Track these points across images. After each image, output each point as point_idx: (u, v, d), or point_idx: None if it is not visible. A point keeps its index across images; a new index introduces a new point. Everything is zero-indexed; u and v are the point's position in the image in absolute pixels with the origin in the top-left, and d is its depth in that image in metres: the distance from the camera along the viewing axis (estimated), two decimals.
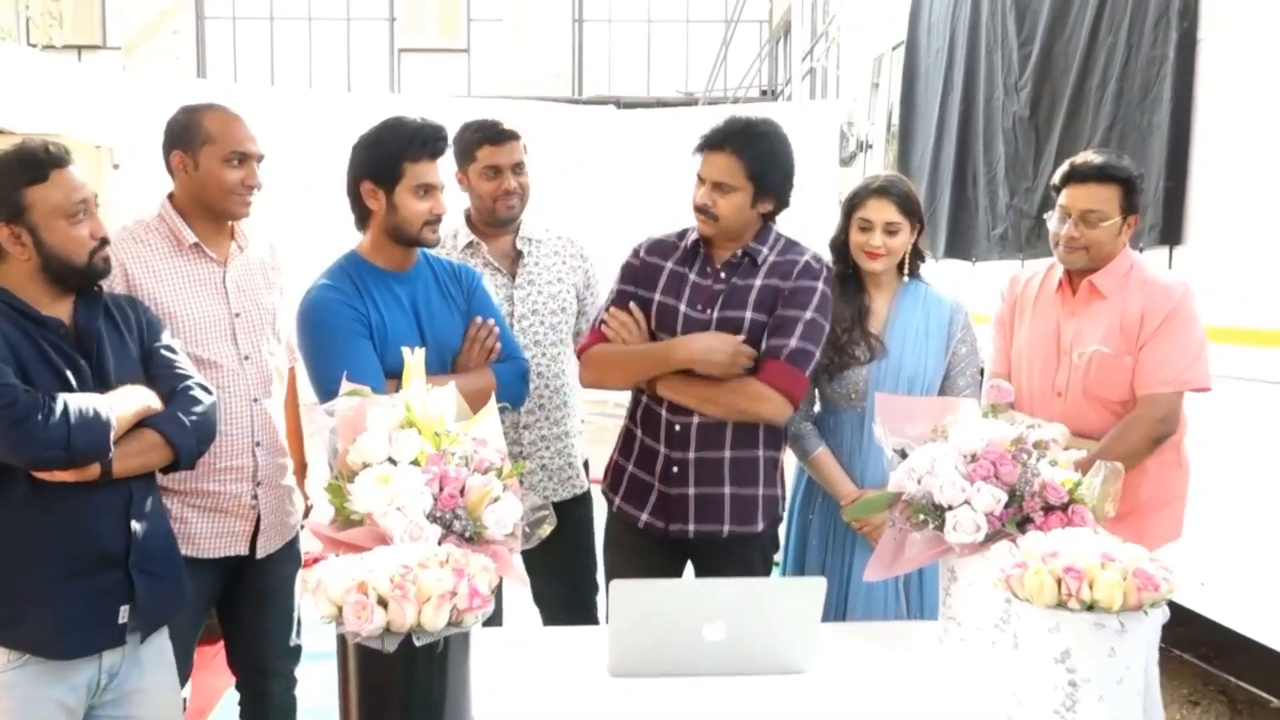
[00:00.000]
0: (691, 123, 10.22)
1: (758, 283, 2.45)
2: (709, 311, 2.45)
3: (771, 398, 2.37)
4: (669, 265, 2.52)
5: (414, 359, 1.95)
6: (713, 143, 2.39)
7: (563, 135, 8.71)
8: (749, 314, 2.43)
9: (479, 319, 2.47)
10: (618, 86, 16.64)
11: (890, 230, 2.59)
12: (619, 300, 2.54)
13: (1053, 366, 2.66)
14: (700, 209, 2.43)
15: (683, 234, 2.56)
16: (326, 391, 2.21)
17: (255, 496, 2.43)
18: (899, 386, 2.57)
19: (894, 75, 6.39)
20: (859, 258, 2.63)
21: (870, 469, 2.55)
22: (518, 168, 2.87)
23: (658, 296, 2.50)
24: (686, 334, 2.44)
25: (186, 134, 2.37)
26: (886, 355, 2.60)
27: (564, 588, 2.92)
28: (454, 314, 2.47)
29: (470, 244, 2.88)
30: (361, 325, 2.32)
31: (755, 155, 2.37)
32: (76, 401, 1.96)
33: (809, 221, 6.15)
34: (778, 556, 2.69)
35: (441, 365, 2.41)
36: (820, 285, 2.44)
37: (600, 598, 3.01)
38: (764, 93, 14.87)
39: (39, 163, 2.03)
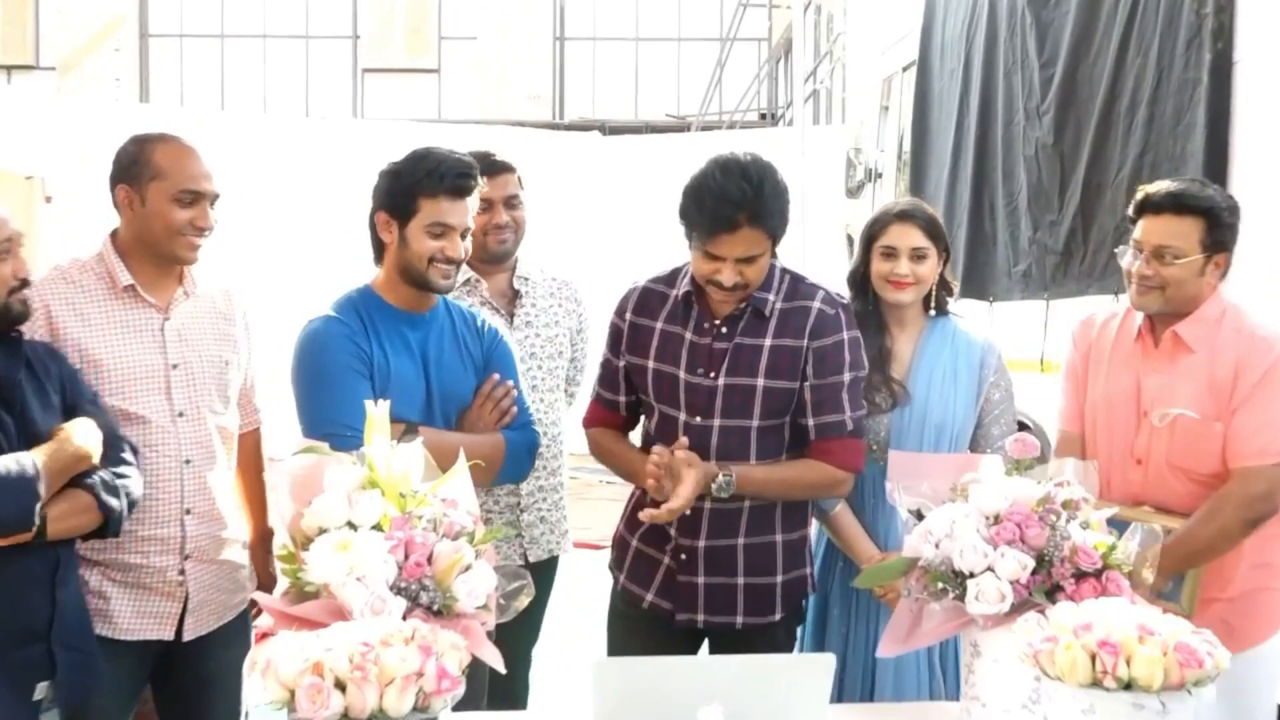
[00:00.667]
0: (684, 149, 10.39)
1: (767, 343, 2.40)
2: (713, 376, 2.41)
3: (846, 480, 2.46)
4: (659, 325, 2.47)
5: (378, 412, 1.95)
6: (731, 224, 2.25)
7: (543, 163, 8.72)
8: (761, 381, 2.40)
9: (496, 376, 2.50)
10: (603, 110, 16.81)
11: (917, 256, 2.62)
12: (604, 374, 2.56)
13: (1132, 429, 2.52)
14: (731, 289, 2.32)
15: (674, 276, 2.51)
16: (311, 428, 2.24)
17: (183, 572, 2.41)
18: (924, 437, 2.59)
19: (905, 98, 6.48)
20: (883, 290, 2.65)
21: (895, 529, 2.55)
22: (510, 201, 2.98)
23: (651, 364, 2.47)
24: (690, 402, 2.41)
25: (134, 167, 2.39)
26: (910, 402, 2.62)
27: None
28: (467, 367, 2.50)
29: (469, 281, 2.98)
30: (362, 364, 2.35)
31: (772, 214, 2.29)
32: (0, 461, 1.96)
33: (813, 257, 6.21)
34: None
35: (445, 420, 2.44)
36: (845, 335, 2.41)
37: (534, 675, 3.06)
38: (763, 116, 15.04)
39: None
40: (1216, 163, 3.81)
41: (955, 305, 2.78)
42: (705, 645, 2.59)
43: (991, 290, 5.37)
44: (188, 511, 2.42)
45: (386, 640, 1.52)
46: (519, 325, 2.97)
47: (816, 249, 6.03)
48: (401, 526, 1.82)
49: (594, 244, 8.79)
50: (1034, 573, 1.89)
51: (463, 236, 2.40)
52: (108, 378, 2.34)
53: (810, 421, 2.41)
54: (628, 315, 2.51)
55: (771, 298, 2.41)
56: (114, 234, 2.46)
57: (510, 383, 2.50)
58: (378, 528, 1.83)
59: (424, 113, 16.14)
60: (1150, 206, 2.49)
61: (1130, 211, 2.56)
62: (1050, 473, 2.04)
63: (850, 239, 9.06)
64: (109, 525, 2.15)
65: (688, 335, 2.43)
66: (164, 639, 2.41)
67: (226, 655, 2.49)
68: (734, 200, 2.24)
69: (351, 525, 1.82)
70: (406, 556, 1.79)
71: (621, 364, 2.52)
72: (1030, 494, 1.97)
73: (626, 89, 17.41)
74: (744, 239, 2.27)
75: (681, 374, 2.42)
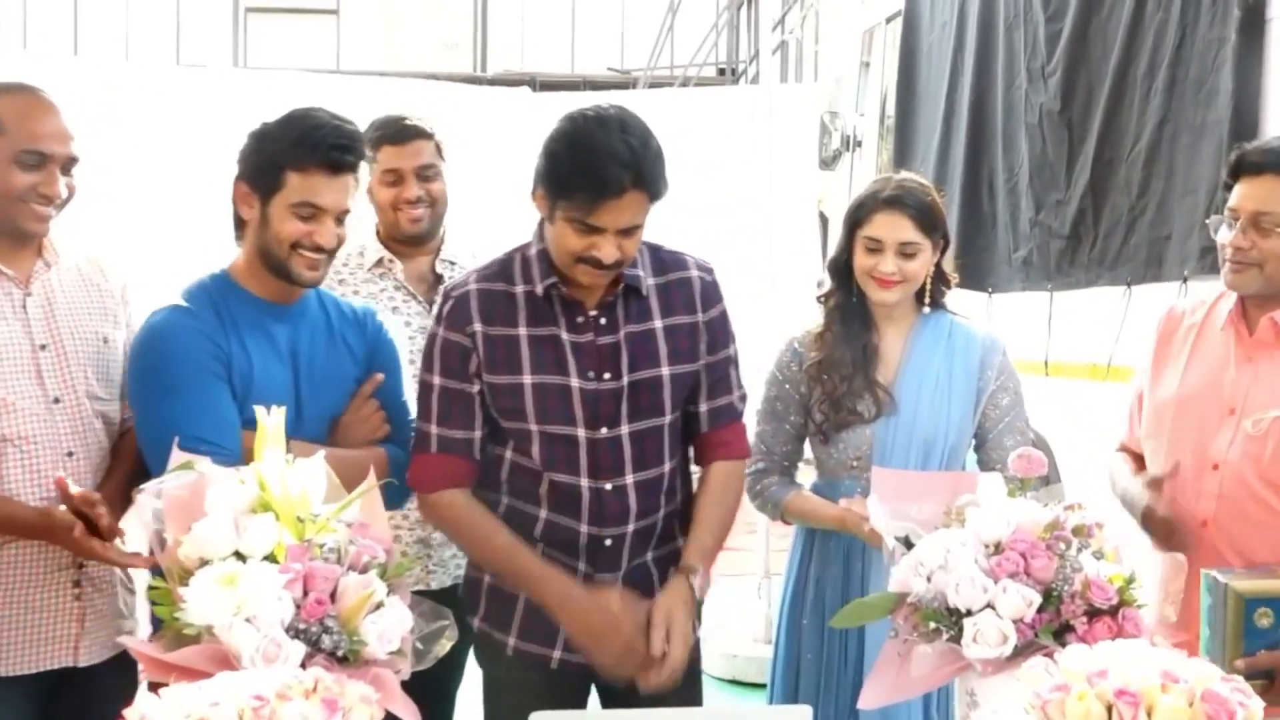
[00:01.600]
0: (629, 109, 10.35)
1: (658, 325, 2.41)
2: (609, 377, 2.37)
3: (745, 465, 2.54)
4: (523, 332, 2.37)
5: (271, 420, 1.94)
6: (618, 188, 2.20)
7: (462, 124, 8.71)
8: (665, 370, 2.40)
9: (381, 377, 2.46)
10: (532, 62, 16.71)
11: (906, 252, 2.65)
12: (447, 408, 2.37)
13: (1211, 429, 2.48)
14: (610, 266, 2.28)
15: (507, 271, 2.40)
16: (156, 445, 2.18)
17: (78, 584, 2.40)
18: (911, 452, 2.63)
19: (889, 54, 6.53)
20: (866, 286, 2.69)
21: (880, 555, 2.55)
22: (425, 172, 2.97)
23: (529, 378, 2.36)
24: (593, 413, 2.36)
25: None
26: (897, 411, 2.65)
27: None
28: (345, 367, 2.47)
29: (380, 262, 2.98)
30: (218, 364, 2.31)
31: (658, 176, 2.25)
32: None
33: (780, 236, 6.23)
34: (762, 676, 2.71)
35: (320, 432, 2.40)
36: (723, 304, 2.48)
37: None
38: (720, 72, 15.09)
39: None
40: (1243, 134, 3.88)
41: (953, 297, 2.82)
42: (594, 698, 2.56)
43: (989, 280, 5.43)
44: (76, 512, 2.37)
45: (284, 693, 1.52)
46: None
47: (784, 228, 6.05)
48: (300, 557, 1.82)
49: (522, 219, 8.75)
50: (1040, 610, 1.91)
51: (339, 221, 2.35)
52: None
53: (703, 407, 2.45)
54: (474, 326, 2.36)
55: (642, 274, 2.40)
56: None
57: (375, 401, 2.46)
58: (271, 558, 1.82)
59: (319, 61, 15.94)
60: (1248, 166, 2.43)
61: (1226, 176, 2.52)
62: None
63: (823, 216, 9.13)
64: None
65: (564, 335, 2.37)
66: (63, 666, 2.39)
67: (120, 684, 2.40)
68: (622, 160, 2.19)
69: (239, 555, 1.81)
70: (305, 593, 1.78)
71: (475, 389, 2.38)
72: (1036, 519, 2.00)
73: (561, 38, 17.34)
74: (630, 205, 2.23)
75: (574, 382, 2.36)
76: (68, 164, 2.41)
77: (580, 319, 2.38)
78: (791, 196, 7.23)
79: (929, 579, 1.98)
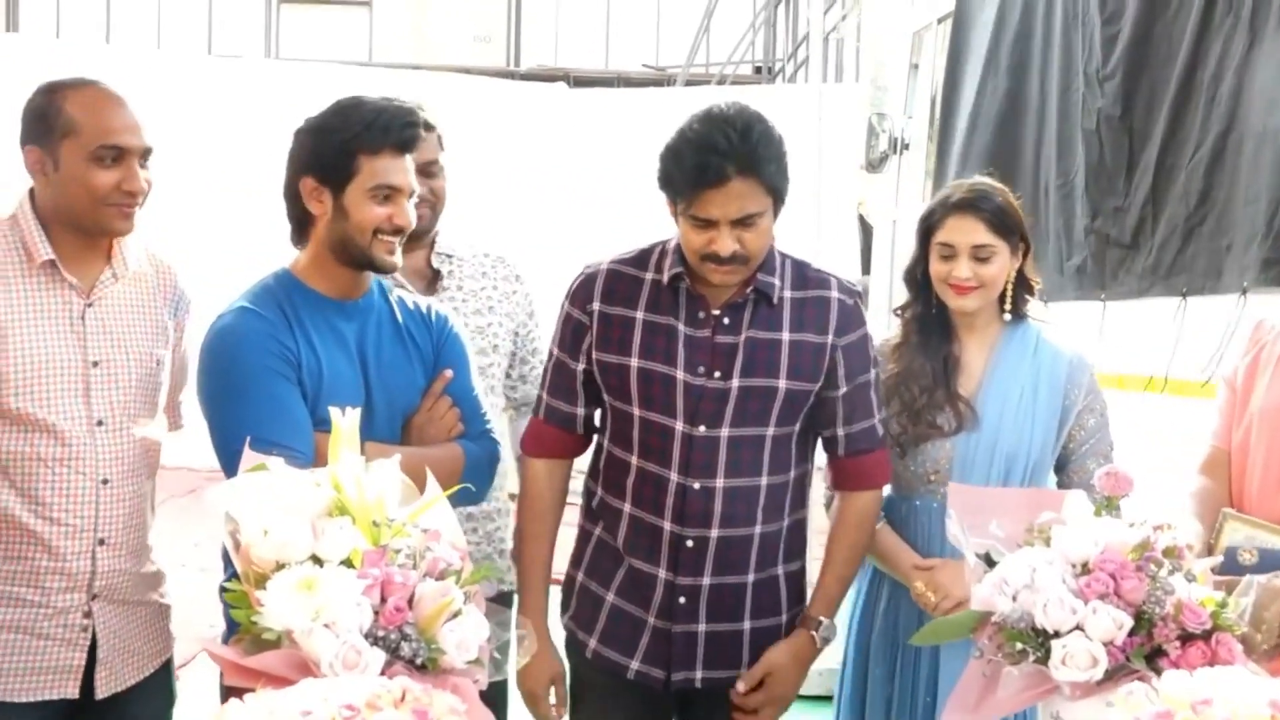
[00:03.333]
0: (666, 106, 10.35)
1: (786, 338, 2.42)
2: (719, 376, 2.39)
3: (880, 501, 2.58)
4: (640, 315, 2.44)
5: (346, 421, 1.94)
6: (719, 174, 2.24)
7: (493, 120, 8.76)
8: (783, 383, 2.41)
9: (450, 373, 2.46)
10: (566, 57, 16.74)
11: (981, 256, 2.62)
12: (557, 381, 2.51)
13: None
14: (727, 260, 2.30)
15: (644, 259, 2.48)
16: (230, 450, 2.17)
17: (89, 614, 2.37)
18: (992, 468, 2.60)
19: (939, 56, 6.49)
20: (943, 294, 2.67)
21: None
22: (429, 168, 2.87)
23: (635, 362, 2.42)
24: (693, 409, 2.38)
25: (44, 123, 2.34)
26: (979, 426, 2.63)
27: None
28: (414, 365, 2.46)
29: None
30: (287, 365, 2.30)
31: (766, 161, 2.28)
32: None
33: (826, 243, 6.22)
34: (827, 688, 2.70)
35: (392, 430, 2.40)
36: (866, 329, 2.48)
37: None
38: (757, 70, 15.06)
39: None
40: None
41: (1042, 306, 2.78)
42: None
43: (1041, 288, 5.39)
44: (101, 541, 2.38)
45: (373, 702, 1.51)
46: None
47: (832, 233, 6.04)
48: (376, 562, 1.81)
49: (557, 216, 8.77)
50: (1132, 633, 1.89)
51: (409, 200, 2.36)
52: (13, 374, 2.29)
53: (840, 432, 2.46)
54: (594, 305, 2.46)
55: (778, 283, 2.42)
56: (32, 194, 2.41)
57: (447, 398, 2.45)
58: (347, 563, 1.81)
59: (351, 54, 16.01)
60: None
61: None
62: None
63: (863, 220, 9.09)
64: None
65: (680, 328, 2.41)
66: (66, 698, 2.36)
67: (146, 713, 2.47)
68: (719, 149, 2.23)
69: (316, 560, 1.80)
70: (384, 599, 1.77)
71: (580, 367, 2.48)
72: (1125, 539, 1.98)
73: (596, 34, 17.36)
74: (737, 193, 2.26)
75: (680, 374, 2.39)
76: (145, 156, 2.40)
77: (701, 314, 2.41)
78: (835, 201, 7.21)
79: (1014, 598, 1.96)
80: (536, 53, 17.11)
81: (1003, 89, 5.75)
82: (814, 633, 2.45)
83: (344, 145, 2.31)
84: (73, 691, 2.36)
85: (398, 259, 2.38)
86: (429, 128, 2.84)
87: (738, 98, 2.46)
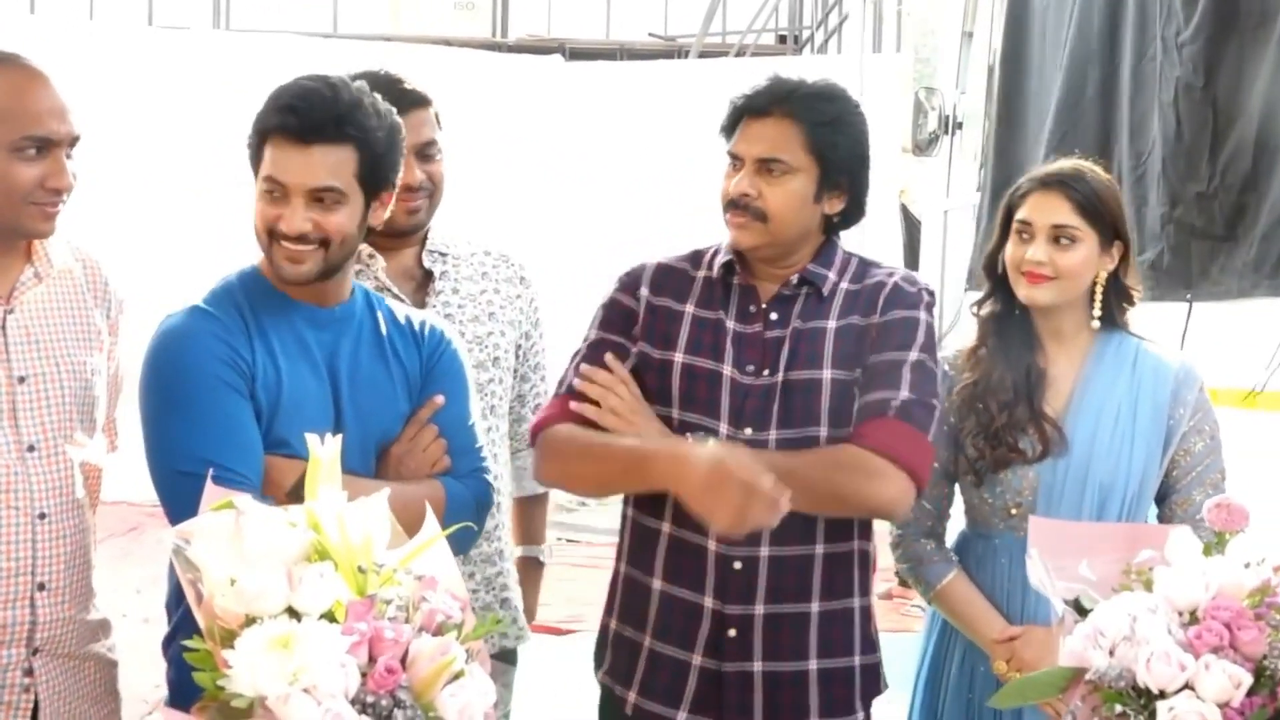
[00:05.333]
0: (677, 81, 10.38)
1: (832, 324, 2.46)
2: (766, 373, 2.44)
3: (885, 472, 2.34)
4: (689, 309, 2.52)
5: (326, 451, 1.91)
6: (756, 107, 2.44)
7: (479, 97, 8.76)
8: (827, 373, 2.43)
9: (440, 399, 2.43)
10: (560, 27, 16.76)
11: (1061, 238, 2.59)
12: (592, 354, 2.51)
13: None
14: (736, 203, 2.43)
15: (697, 258, 2.58)
16: (166, 470, 2.19)
17: (30, 672, 2.35)
18: (1085, 501, 2.58)
19: (996, 20, 6.49)
20: (1016, 285, 2.65)
21: (1044, 623, 2.53)
22: (425, 150, 2.85)
23: (680, 357, 2.49)
24: (738, 409, 2.43)
25: None
26: (1068, 452, 2.60)
27: None
28: (395, 386, 2.43)
29: (357, 257, 2.83)
30: (238, 376, 2.28)
31: (820, 120, 2.40)
32: None
33: (865, 235, 6.18)
34: None
35: (364, 461, 2.37)
36: (922, 315, 2.46)
37: None
38: (781, 39, 15.06)
39: None
40: None
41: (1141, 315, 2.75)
42: None
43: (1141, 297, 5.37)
44: (41, 586, 2.35)
45: None
46: None
47: (869, 224, 6.00)
48: (363, 615, 1.78)
49: (552, 205, 8.76)
50: (1251, 692, 1.86)
51: (323, 204, 2.28)
52: None
53: (860, 403, 2.42)
54: (643, 291, 2.53)
55: (833, 276, 2.49)
56: None
57: (434, 426, 2.43)
58: (329, 616, 1.78)
59: (313, 24, 16.04)
60: None
61: None
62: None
63: (905, 210, 9.07)
64: None
65: (730, 323, 2.49)
66: None
67: None
68: (774, 87, 2.44)
69: (293, 613, 1.77)
70: (372, 659, 1.74)
71: (634, 349, 2.51)
72: (1240, 581, 1.95)
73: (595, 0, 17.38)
74: (770, 134, 2.41)
75: (727, 371, 2.45)
76: (71, 145, 2.36)
77: (751, 309, 2.49)
78: (874, 186, 7.18)
79: (1111, 652, 1.93)
80: (527, 21, 17.10)
81: (1068, 58, 5.74)
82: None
83: (255, 127, 2.31)
84: None
85: (305, 268, 2.30)
86: (423, 102, 2.82)
87: (760, 70, 2.56)
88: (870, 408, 2.39)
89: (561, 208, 8.84)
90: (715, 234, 2.58)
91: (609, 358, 2.48)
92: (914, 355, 2.42)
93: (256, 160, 2.31)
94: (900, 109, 7.10)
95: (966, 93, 6.78)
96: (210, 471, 2.01)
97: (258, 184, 2.30)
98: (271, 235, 2.29)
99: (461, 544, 2.32)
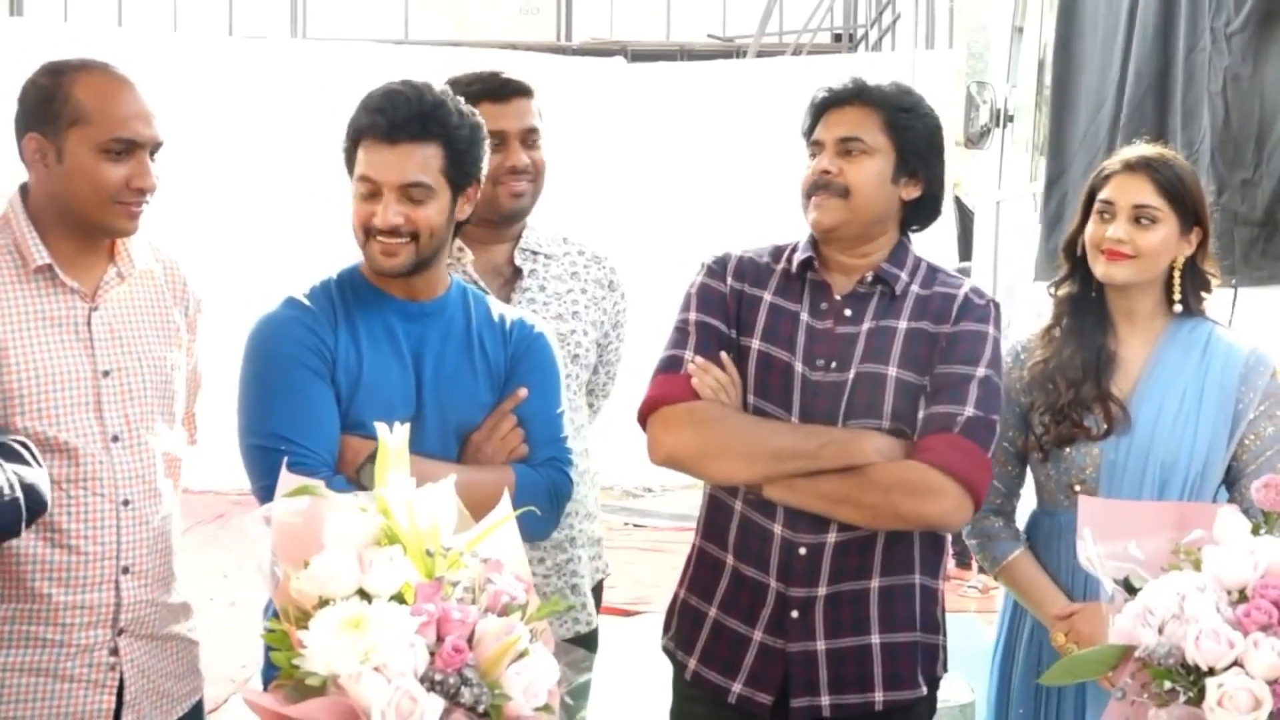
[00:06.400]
0: (735, 80, 10.36)
1: (902, 325, 2.47)
2: (834, 368, 2.45)
3: (945, 490, 2.35)
4: (767, 297, 2.53)
5: (394, 439, 1.91)
6: (837, 98, 2.51)
7: (546, 97, 8.73)
8: (893, 370, 2.44)
9: (523, 392, 2.45)
10: (623, 30, 16.76)
11: (1141, 218, 2.57)
12: (705, 338, 2.50)
13: None
14: (817, 184, 2.47)
15: (777, 252, 2.60)
16: (248, 444, 2.24)
17: (115, 651, 2.38)
18: (1146, 479, 2.55)
19: (1046, 15, 6.41)
20: (1095, 264, 2.63)
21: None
22: (529, 137, 2.87)
23: (757, 344, 2.50)
24: (808, 404, 2.43)
25: (48, 108, 2.34)
26: (1131, 430, 2.57)
27: None
28: (478, 379, 2.45)
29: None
30: (318, 359, 2.33)
31: (896, 107, 2.49)
32: None
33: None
34: None
35: (443, 447, 2.40)
36: (991, 330, 2.47)
37: None
38: (837, 38, 14.99)
39: None
40: None
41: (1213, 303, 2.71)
42: None
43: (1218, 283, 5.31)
44: (125, 570, 2.38)
45: None
46: None
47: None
48: (431, 597, 1.79)
49: (614, 202, 8.77)
50: None
51: (413, 200, 2.32)
52: (19, 391, 2.30)
53: (920, 414, 2.43)
54: (729, 277, 2.55)
55: (904, 277, 2.51)
56: (24, 191, 2.41)
57: (513, 416, 2.45)
58: (398, 598, 1.79)
59: (384, 31, 16.14)
60: None
61: None
62: None
63: (959, 202, 8.99)
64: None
65: (804, 316, 2.50)
66: None
67: None
68: (852, 83, 2.52)
69: (364, 595, 1.78)
70: (440, 638, 1.75)
71: (731, 333, 2.52)
72: None
73: (655, 3, 17.35)
74: (850, 116, 2.49)
75: (798, 365, 2.46)
76: (155, 149, 2.40)
77: (825, 305, 2.51)
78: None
79: (1160, 630, 1.91)
80: (590, 25, 17.12)
81: (1120, 51, 5.67)
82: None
83: (348, 131, 2.35)
84: None
85: (399, 261, 2.34)
86: (525, 92, 2.86)
87: (816, 69, 2.54)
88: (936, 420, 2.40)
89: (625, 204, 8.84)
90: (773, 225, 2.58)
91: (724, 357, 2.48)
92: (981, 371, 2.43)
93: (351, 163, 2.37)
94: (953, 104, 7.04)
95: (1017, 86, 6.70)
96: (286, 450, 2.10)
97: (353, 185, 2.36)
98: (367, 232, 2.34)
99: (539, 531, 2.40)
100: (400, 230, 2.31)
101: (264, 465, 2.11)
